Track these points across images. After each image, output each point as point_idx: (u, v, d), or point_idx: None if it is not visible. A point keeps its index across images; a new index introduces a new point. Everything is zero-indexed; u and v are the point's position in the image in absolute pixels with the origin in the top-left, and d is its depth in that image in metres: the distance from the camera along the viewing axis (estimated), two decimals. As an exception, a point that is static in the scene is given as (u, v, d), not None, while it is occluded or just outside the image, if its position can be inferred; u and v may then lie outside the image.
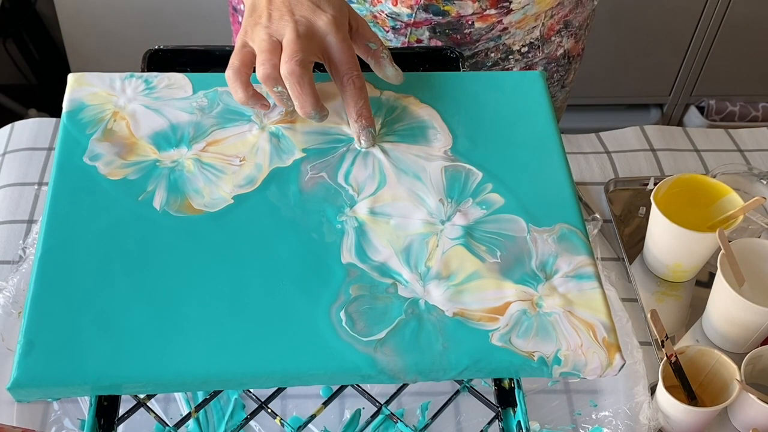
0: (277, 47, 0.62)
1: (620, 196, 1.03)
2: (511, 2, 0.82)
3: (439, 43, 0.85)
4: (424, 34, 0.85)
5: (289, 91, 0.61)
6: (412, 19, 0.83)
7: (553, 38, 0.91)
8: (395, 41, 0.86)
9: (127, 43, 1.79)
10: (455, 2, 0.81)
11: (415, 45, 0.85)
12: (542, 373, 0.54)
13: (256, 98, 0.63)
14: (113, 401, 0.57)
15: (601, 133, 1.11)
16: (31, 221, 0.95)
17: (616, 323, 0.57)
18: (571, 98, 2.06)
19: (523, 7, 0.83)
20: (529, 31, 0.88)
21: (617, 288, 0.90)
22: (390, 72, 0.67)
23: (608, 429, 0.79)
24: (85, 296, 0.54)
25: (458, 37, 0.85)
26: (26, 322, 0.52)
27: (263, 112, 0.65)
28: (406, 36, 0.85)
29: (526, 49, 0.89)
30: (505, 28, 0.85)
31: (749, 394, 0.78)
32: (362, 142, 0.64)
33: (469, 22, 0.83)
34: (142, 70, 0.71)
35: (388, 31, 0.85)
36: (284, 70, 0.61)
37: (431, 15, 0.82)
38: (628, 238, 0.99)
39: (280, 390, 0.58)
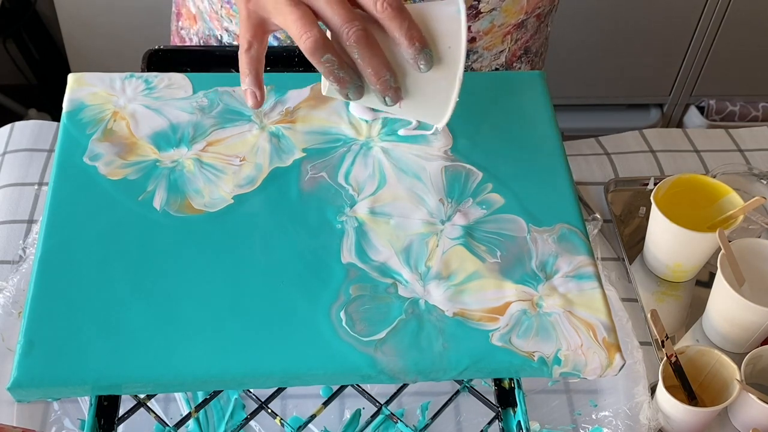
0: (308, 11, 0.56)
1: (620, 196, 1.03)
2: (480, 1, 0.80)
3: None
4: None
5: (360, 61, 0.56)
6: None
7: (514, 65, 0.91)
8: None
9: (127, 43, 1.78)
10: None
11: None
12: (542, 373, 0.54)
13: (261, 89, 0.59)
14: (113, 401, 0.57)
15: (600, 138, 1.11)
16: (31, 221, 0.95)
17: (616, 323, 0.57)
18: (571, 98, 2.05)
19: (490, 11, 0.82)
20: (496, 56, 0.87)
21: (617, 288, 0.90)
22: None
23: (608, 429, 0.79)
24: (85, 296, 0.54)
25: None
26: (26, 322, 0.52)
27: (263, 112, 0.65)
28: None
29: None
30: (474, 39, 0.84)
31: (749, 394, 0.78)
32: (421, 66, 0.57)
33: None
34: (142, 70, 0.71)
35: None
36: (349, 40, 0.55)
37: None
38: (628, 238, 0.99)
39: (280, 390, 0.58)
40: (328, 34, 0.57)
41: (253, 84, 0.59)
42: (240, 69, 0.59)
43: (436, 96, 0.59)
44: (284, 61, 0.72)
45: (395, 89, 0.58)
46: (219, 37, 0.89)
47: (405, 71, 0.58)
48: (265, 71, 0.68)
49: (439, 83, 0.58)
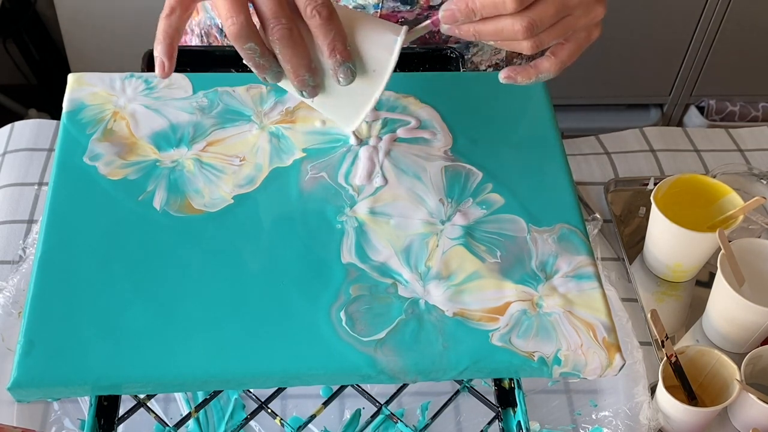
0: None
1: (620, 196, 1.03)
2: None
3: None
4: None
5: (280, 57, 0.56)
6: (379, 11, 0.80)
7: (515, 60, 0.91)
8: None
9: (127, 43, 1.78)
10: None
11: (415, 45, 0.85)
12: (542, 373, 0.54)
13: (171, 60, 0.57)
14: (113, 401, 0.57)
15: (600, 136, 1.11)
16: (31, 221, 0.95)
17: (616, 323, 0.57)
18: (572, 98, 2.04)
19: None
20: (496, 50, 0.87)
21: (617, 288, 0.90)
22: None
23: (608, 429, 0.79)
24: (85, 296, 0.54)
25: (426, 36, 0.83)
26: (26, 322, 0.52)
27: (263, 112, 0.65)
28: None
29: (491, 69, 0.88)
30: None
31: (749, 394, 0.78)
32: (340, 79, 0.56)
33: None
34: (142, 70, 0.71)
35: None
36: (272, 36, 0.54)
37: (399, 3, 0.79)
38: (628, 238, 0.99)
39: (280, 390, 0.58)
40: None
41: (163, 53, 0.57)
42: (156, 34, 0.57)
43: (350, 105, 0.59)
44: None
45: (313, 87, 0.57)
46: (220, 26, 0.89)
47: (327, 72, 0.58)
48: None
49: (355, 96, 0.58)
